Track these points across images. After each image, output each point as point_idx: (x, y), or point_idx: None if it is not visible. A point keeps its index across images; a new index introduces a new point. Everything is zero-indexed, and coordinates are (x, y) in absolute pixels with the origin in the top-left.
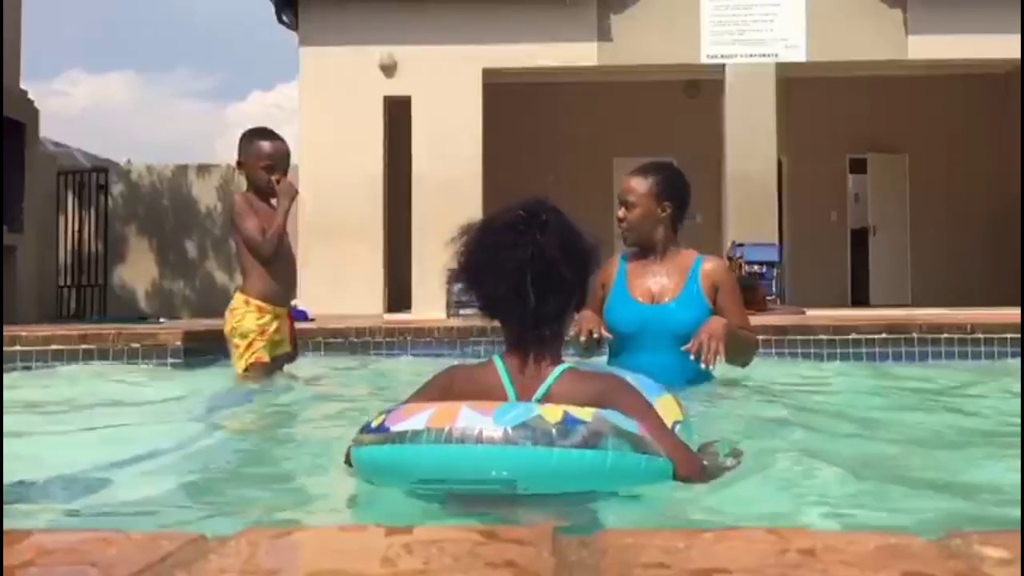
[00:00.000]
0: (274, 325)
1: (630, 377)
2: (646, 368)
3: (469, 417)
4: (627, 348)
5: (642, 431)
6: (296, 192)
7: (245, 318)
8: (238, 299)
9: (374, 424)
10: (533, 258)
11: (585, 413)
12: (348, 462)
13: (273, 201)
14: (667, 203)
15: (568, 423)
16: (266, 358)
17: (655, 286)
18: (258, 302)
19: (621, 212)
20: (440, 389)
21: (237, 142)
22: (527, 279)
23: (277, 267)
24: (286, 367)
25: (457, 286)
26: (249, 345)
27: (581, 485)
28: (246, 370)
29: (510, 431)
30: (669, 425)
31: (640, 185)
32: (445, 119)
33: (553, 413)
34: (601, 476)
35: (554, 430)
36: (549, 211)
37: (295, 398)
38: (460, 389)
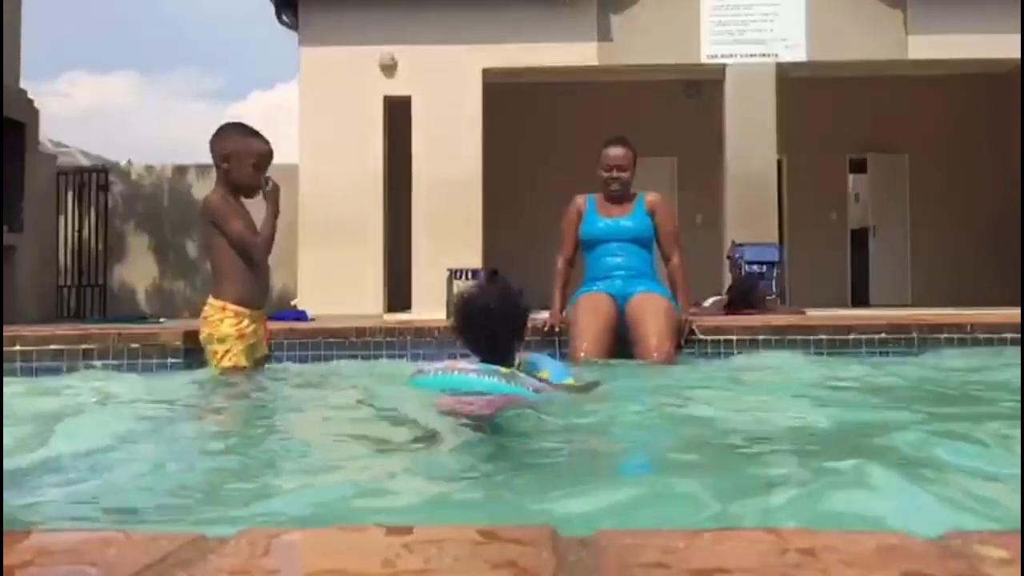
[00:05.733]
0: (251, 328)
1: (550, 368)
2: (612, 256)
3: (465, 367)
4: (596, 245)
5: (546, 389)
6: (279, 193)
7: (223, 324)
8: (213, 306)
9: (419, 370)
10: (489, 327)
11: (523, 377)
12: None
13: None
14: (635, 164)
15: (512, 375)
16: (244, 363)
17: (614, 210)
18: (235, 307)
19: (615, 174)
20: None
21: (219, 134)
22: (484, 338)
23: (255, 269)
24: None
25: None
26: (228, 351)
27: (512, 397)
28: (223, 375)
29: (485, 372)
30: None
31: (628, 155)
32: (445, 119)
33: (507, 370)
34: (521, 396)
35: (505, 377)
36: (500, 299)
37: (292, 399)
38: None
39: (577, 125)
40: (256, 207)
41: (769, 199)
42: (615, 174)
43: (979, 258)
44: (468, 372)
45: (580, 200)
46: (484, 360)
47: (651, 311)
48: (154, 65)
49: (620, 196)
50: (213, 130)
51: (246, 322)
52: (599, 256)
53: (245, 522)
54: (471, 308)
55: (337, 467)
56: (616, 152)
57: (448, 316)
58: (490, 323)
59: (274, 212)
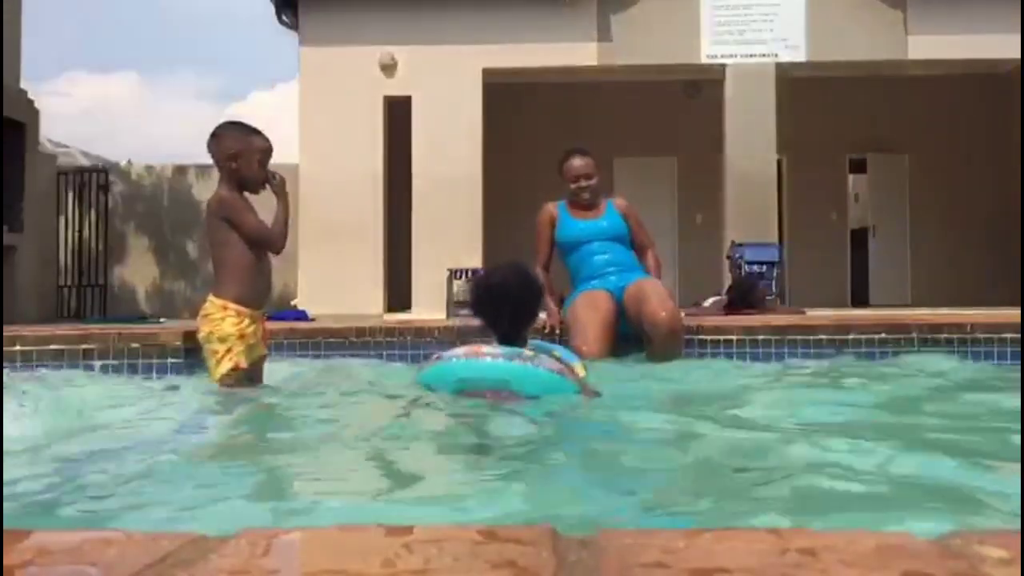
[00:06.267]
0: (251, 328)
1: (560, 351)
2: (600, 254)
3: (488, 350)
4: (578, 247)
5: (566, 371)
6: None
7: (224, 323)
8: (213, 304)
9: (433, 359)
10: (508, 303)
11: (544, 357)
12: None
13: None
14: (598, 170)
15: (536, 359)
16: (245, 363)
17: (587, 214)
18: (236, 306)
19: (583, 183)
20: None
21: (221, 134)
22: (503, 315)
23: (260, 268)
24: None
25: (468, 311)
26: (228, 350)
27: (535, 388)
28: (226, 375)
29: (509, 357)
30: (582, 374)
31: (590, 163)
32: (445, 119)
33: (530, 352)
34: (545, 384)
35: (529, 361)
36: (518, 277)
37: (288, 400)
38: None
39: (577, 125)
40: (256, 203)
41: (769, 199)
42: (583, 183)
43: (979, 258)
44: (496, 357)
45: (551, 207)
46: (501, 339)
47: (649, 285)
48: (154, 65)
49: (590, 203)
50: (213, 130)
51: (247, 322)
52: (585, 257)
53: (245, 522)
54: (490, 284)
55: (337, 468)
56: (580, 162)
57: (448, 316)
58: (508, 298)
59: (285, 204)
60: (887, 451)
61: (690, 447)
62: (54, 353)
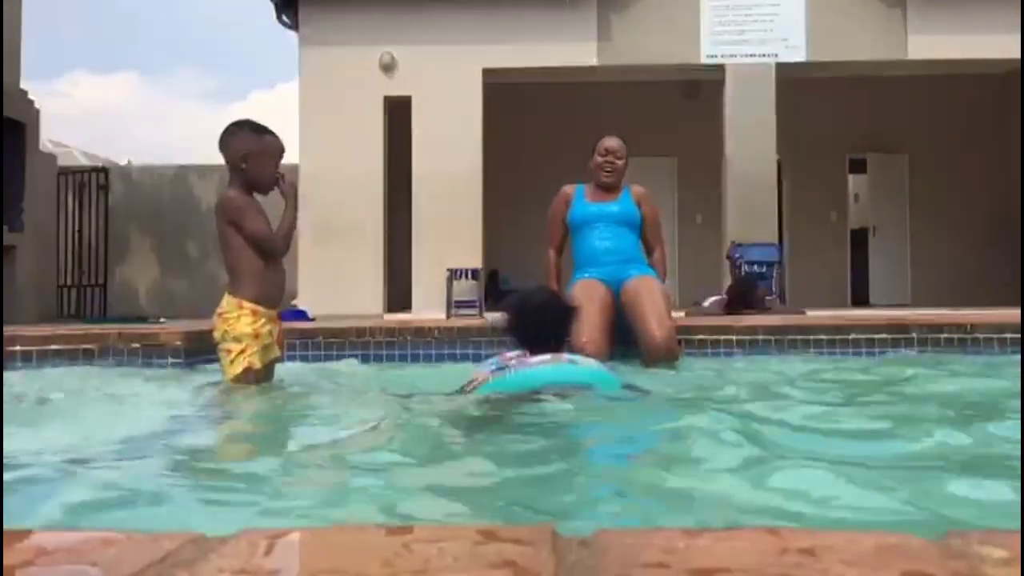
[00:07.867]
0: (267, 328)
1: (581, 360)
2: (600, 239)
3: (555, 359)
4: (587, 229)
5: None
6: (296, 189)
7: (239, 322)
8: (229, 303)
9: (507, 366)
10: (544, 324)
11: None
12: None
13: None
14: (627, 162)
15: (602, 364)
16: (259, 364)
17: (602, 197)
18: (252, 305)
19: (611, 158)
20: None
21: (232, 134)
22: (542, 334)
23: (272, 269)
24: (276, 368)
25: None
26: (242, 350)
27: (592, 382)
28: (238, 376)
29: (573, 362)
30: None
31: (624, 148)
32: (445, 119)
33: (584, 360)
34: (597, 379)
35: (584, 363)
36: (555, 300)
37: (291, 400)
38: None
39: (577, 125)
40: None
41: (769, 199)
42: (610, 158)
43: (979, 258)
44: (581, 364)
45: (569, 188)
46: (534, 352)
47: (646, 293)
48: (154, 65)
49: (610, 185)
50: (214, 130)
51: (262, 321)
52: (587, 239)
53: (245, 522)
54: (531, 306)
55: (338, 468)
56: (612, 143)
57: (448, 316)
58: (550, 318)
59: (294, 209)
60: (886, 450)
61: (691, 447)
62: (54, 353)
